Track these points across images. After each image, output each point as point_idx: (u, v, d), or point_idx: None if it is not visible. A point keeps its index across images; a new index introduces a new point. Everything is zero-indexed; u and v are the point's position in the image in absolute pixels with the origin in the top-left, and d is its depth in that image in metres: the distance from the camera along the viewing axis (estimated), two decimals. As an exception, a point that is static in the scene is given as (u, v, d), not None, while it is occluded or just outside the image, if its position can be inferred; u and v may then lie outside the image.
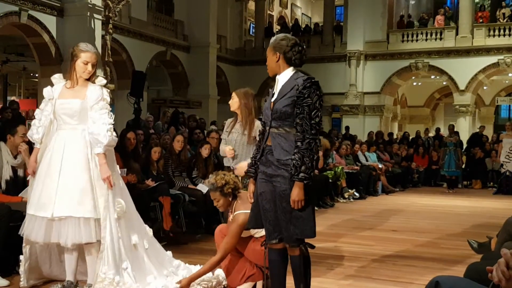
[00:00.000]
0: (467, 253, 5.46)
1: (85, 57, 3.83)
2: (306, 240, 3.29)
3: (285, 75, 3.32)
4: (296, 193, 3.13)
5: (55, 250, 4.09)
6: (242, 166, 4.48)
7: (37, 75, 15.57)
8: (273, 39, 3.38)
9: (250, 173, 3.47)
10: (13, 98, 17.63)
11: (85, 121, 3.82)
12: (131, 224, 3.97)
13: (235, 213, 3.88)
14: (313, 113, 3.16)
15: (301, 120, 3.16)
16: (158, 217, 6.12)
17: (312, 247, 3.32)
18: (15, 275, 4.29)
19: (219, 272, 4.20)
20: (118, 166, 4.19)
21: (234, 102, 4.68)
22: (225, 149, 4.72)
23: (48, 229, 3.70)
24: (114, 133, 3.86)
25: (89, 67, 3.84)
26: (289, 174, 3.17)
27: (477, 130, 17.00)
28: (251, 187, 3.48)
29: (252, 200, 3.45)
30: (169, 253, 4.32)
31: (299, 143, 3.15)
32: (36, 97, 16.58)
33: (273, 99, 3.31)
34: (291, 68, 3.33)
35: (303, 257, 3.27)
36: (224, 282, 4.16)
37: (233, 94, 4.76)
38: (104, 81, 4.04)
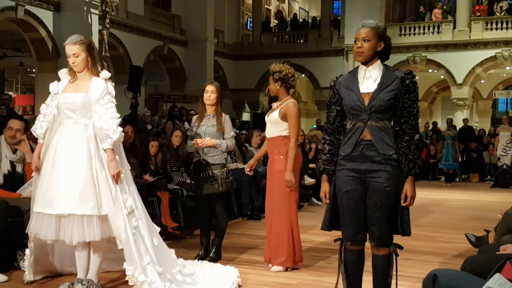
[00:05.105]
0: (465, 247, 5.48)
1: (66, 51, 3.78)
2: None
3: (377, 67, 3.13)
4: (412, 189, 3.03)
5: (66, 245, 3.91)
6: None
7: (34, 70, 15.50)
8: (371, 24, 3.09)
9: (328, 171, 3.19)
10: (10, 93, 17.57)
11: (87, 116, 3.73)
12: (141, 220, 3.86)
13: (288, 101, 4.55)
14: (417, 108, 3.14)
15: (410, 115, 3.10)
16: (156, 212, 6.12)
17: (401, 247, 3.15)
18: (14, 271, 4.30)
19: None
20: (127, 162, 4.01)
21: (214, 96, 4.82)
22: (193, 142, 4.82)
23: (57, 227, 3.62)
24: (120, 128, 3.77)
25: (71, 59, 3.74)
26: (393, 169, 3.03)
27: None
28: (326, 186, 3.20)
29: (328, 201, 3.18)
30: (172, 250, 4.22)
31: (408, 137, 3.07)
32: (33, 92, 16.52)
33: (367, 91, 3.08)
34: (379, 60, 3.15)
35: (389, 257, 3.12)
36: None
37: (212, 88, 4.83)
38: (109, 74, 3.90)
